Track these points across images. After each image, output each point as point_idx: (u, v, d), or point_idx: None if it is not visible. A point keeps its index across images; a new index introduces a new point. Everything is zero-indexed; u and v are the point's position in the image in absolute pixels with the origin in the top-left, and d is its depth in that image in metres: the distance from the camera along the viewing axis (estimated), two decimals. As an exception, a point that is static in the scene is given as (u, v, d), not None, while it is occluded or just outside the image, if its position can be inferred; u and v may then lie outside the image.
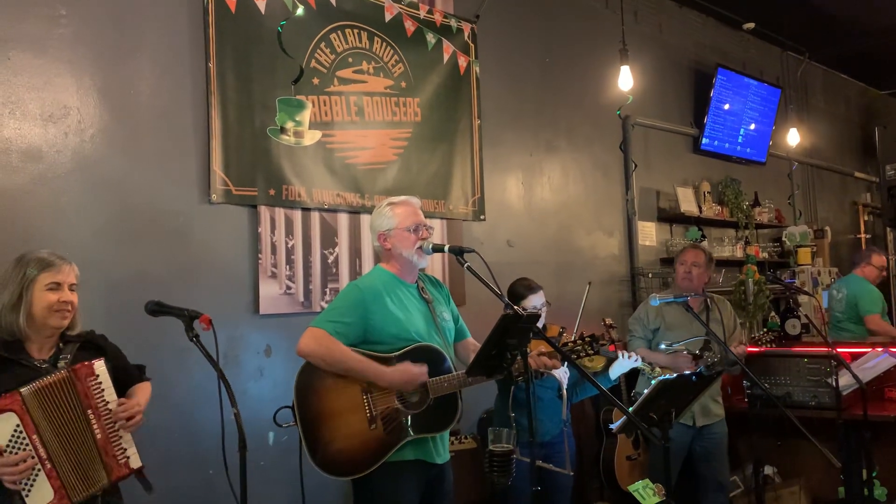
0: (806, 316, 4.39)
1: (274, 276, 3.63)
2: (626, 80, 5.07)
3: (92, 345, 2.24)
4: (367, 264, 3.92)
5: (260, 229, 3.58)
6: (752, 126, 6.85)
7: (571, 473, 2.92)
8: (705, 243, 6.01)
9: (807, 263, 6.56)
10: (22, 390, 1.92)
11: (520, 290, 3.39)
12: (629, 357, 3.28)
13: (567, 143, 5.26)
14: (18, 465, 1.90)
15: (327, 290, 3.81)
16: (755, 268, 5.32)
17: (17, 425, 1.91)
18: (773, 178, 7.28)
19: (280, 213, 3.66)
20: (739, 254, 6.21)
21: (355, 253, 3.95)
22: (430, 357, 2.61)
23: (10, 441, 1.91)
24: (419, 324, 2.68)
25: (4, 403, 1.90)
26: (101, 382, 2.08)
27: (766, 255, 6.54)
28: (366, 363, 2.53)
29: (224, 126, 3.46)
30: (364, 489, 2.59)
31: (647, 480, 2.42)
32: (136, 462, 2.14)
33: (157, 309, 2.17)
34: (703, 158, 6.47)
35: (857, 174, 8.71)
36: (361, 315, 2.59)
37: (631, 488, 2.43)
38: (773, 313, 5.25)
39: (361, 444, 2.52)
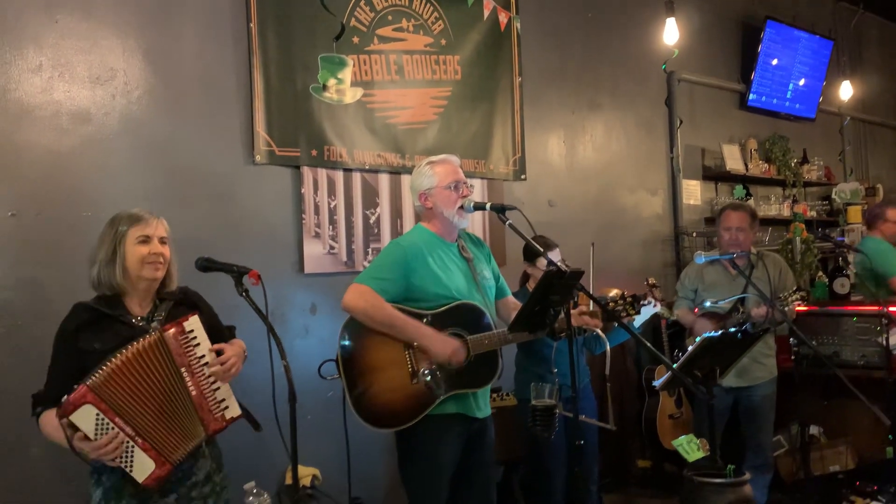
0: (856, 274, 4.27)
1: (317, 235, 3.67)
2: (671, 33, 4.94)
3: (187, 301, 2.29)
4: (408, 224, 3.94)
5: (303, 190, 3.62)
6: (802, 81, 6.62)
7: (614, 428, 2.94)
8: (751, 202, 5.88)
9: (857, 222, 6.36)
10: (88, 382, 1.96)
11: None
12: (649, 304, 3.26)
13: (610, 99, 5.16)
14: (108, 446, 1.97)
15: (369, 249, 3.85)
16: (803, 226, 5.18)
17: (98, 414, 1.97)
18: (822, 135, 7.07)
19: (322, 173, 3.69)
20: (787, 212, 6.07)
21: (396, 213, 3.97)
22: (469, 314, 2.63)
23: (97, 429, 1.97)
24: (460, 282, 2.69)
25: (76, 399, 1.95)
26: (195, 338, 2.12)
27: (814, 213, 6.38)
28: (410, 323, 2.56)
29: (266, 86, 3.48)
30: (406, 442, 2.64)
31: (691, 436, 2.41)
32: (233, 412, 2.19)
33: (206, 265, 2.21)
34: (750, 115, 6.30)
35: (913, 129, 8.40)
36: (403, 272, 2.61)
37: (675, 443, 2.43)
38: (820, 273, 5.12)
39: (403, 398, 2.56)
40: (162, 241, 2.22)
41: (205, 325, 2.18)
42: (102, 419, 1.97)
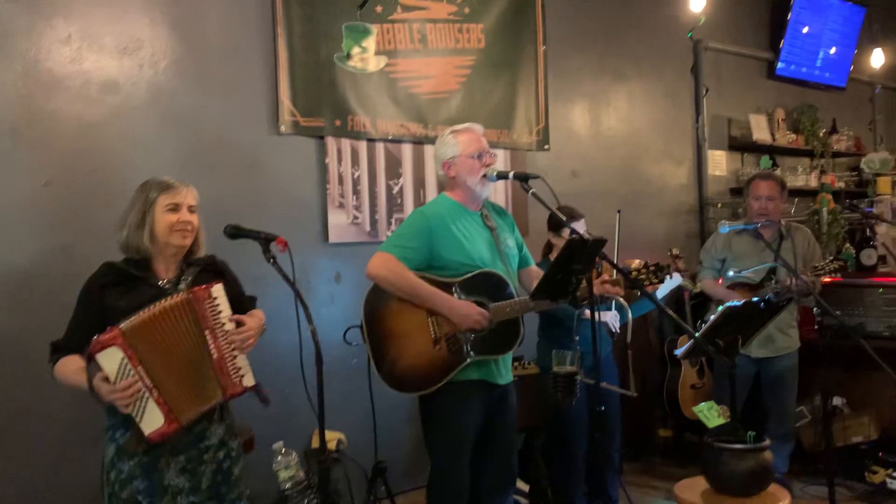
0: (884, 245, 4.22)
1: (342, 205, 3.71)
2: None
3: (213, 269, 2.32)
4: (431, 195, 3.96)
5: (327, 160, 3.65)
6: (833, 50, 6.48)
7: (635, 394, 2.96)
8: (777, 172, 5.81)
9: (886, 193, 6.26)
10: (122, 325, 2.01)
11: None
12: (671, 277, 3.25)
13: (635, 68, 5.11)
14: (126, 391, 2.02)
15: (392, 220, 3.88)
16: (829, 196, 5.12)
17: (123, 358, 2.02)
18: (852, 104, 6.93)
19: (346, 143, 3.71)
20: (814, 183, 5.98)
21: (419, 183, 3.99)
22: (492, 283, 2.65)
23: (118, 372, 2.02)
24: (483, 251, 2.71)
25: (106, 340, 2.00)
26: (218, 304, 2.16)
27: (842, 184, 6.28)
28: (433, 292, 2.58)
29: (290, 56, 3.50)
30: (430, 407, 2.69)
31: (711, 402, 2.43)
32: (249, 381, 2.23)
33: (235, 232, 2.25)
34: (778, 84, 6.19)
35: (947, 98, 8.18)
36: (426, 241, 2.64)
37: (696, 409, 2.45)
38: (847, 244, 5.07)
39: (426, 363, 2.60)
40: (191, 209, 2.25)
41: (228, 294, 2.21)
42: (126, 364, 2.02)
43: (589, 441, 3.38)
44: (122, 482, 2.14)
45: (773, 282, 3.59)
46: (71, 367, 2.11)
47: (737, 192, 5.54)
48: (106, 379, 2.02)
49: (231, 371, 2.19)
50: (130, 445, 2.11)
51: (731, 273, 3.64)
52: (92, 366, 2.03)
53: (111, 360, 2.01)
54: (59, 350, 2.17)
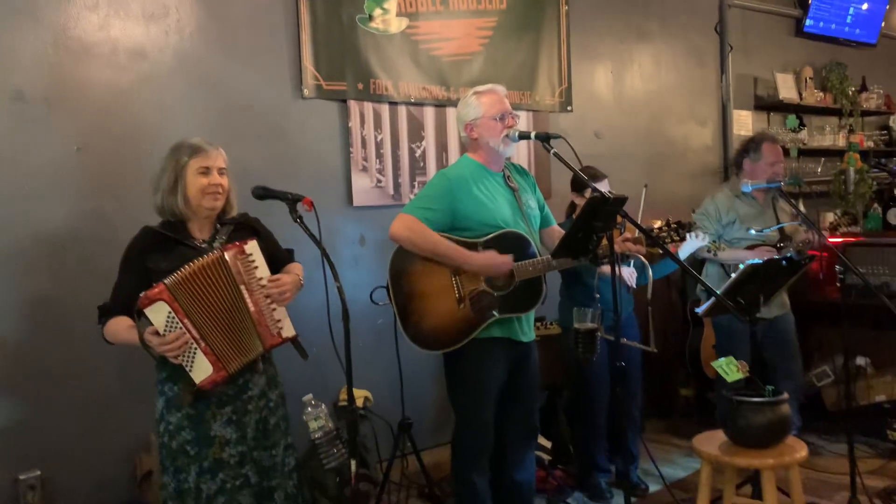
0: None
1: (365, 169, 3.75)
2: (724, -45, 4.77)
3: (246, 227, 2.41)
4: (453, 158, 3.98)
5: (350, 123, 3.68)
6: (865, 6, 6.33)
7: (655, 350, 3.00)
8: (805, 132, 5.74)
9: (917, 152, 6.18)
10: (166, 281, 2.11)
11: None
12: (696, 236, 3.25)
13: (659, 28, 5.04)
14: (175, 342, 2.12)
15: (415, 183, 3.91)
16: (857, 156, 5.05)
17: (169, 312, 2.12)
18: (884, 62, 6.78)
19: (368, 107, 3.74)
20: (842, 143, 5.90)
21: (441, 147, 4.01)
22: (515, 243, 2.69)
23: (166, 325, 2.13)
24: (505, 211, 2.74)
25: (153, 294, 2.10)
26: (253, 260, 2.25)
27: (871, 143, 6.19)
28: (454, 248, 2.63)
29: (313, 19, 3.52)
30: (454, 364, 2.75)
31: (730, 357, 2.46)
32: (288, 332, 2.33)
33: (262, 193, 2.31)
34: (807, 41, 6.07)
35: (983, 55, 7.96)
36: (449, 203, 2.67)
37: (714, 364, 2.48)
38: (875, 205, 5.01)
39: (450, 322, 2.66)
40: (221, 171, 2.32)
41: (263, 250, 2.29)
42: (172, 317, 2.12)
43: (610, 398, 3.44)
44: (170, 433, 2.26)
45: (790, 241, 3.60)
46: (121, 326, 2.22)
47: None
48: (156, 333, 2.12)
49: (269, 323, 2.29)
50: (181, 398, 2.23)
51: (752, 232, 3.63)
52: (142, 321, 2.13)
53: (159, 314, 2.11)
54: (106, 313, 2.27)
